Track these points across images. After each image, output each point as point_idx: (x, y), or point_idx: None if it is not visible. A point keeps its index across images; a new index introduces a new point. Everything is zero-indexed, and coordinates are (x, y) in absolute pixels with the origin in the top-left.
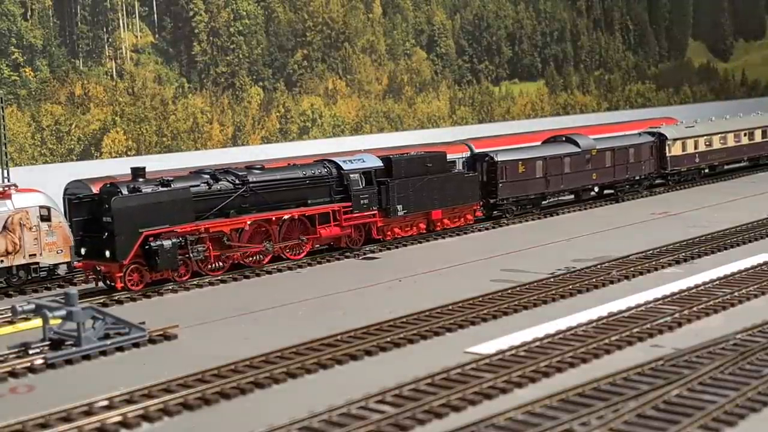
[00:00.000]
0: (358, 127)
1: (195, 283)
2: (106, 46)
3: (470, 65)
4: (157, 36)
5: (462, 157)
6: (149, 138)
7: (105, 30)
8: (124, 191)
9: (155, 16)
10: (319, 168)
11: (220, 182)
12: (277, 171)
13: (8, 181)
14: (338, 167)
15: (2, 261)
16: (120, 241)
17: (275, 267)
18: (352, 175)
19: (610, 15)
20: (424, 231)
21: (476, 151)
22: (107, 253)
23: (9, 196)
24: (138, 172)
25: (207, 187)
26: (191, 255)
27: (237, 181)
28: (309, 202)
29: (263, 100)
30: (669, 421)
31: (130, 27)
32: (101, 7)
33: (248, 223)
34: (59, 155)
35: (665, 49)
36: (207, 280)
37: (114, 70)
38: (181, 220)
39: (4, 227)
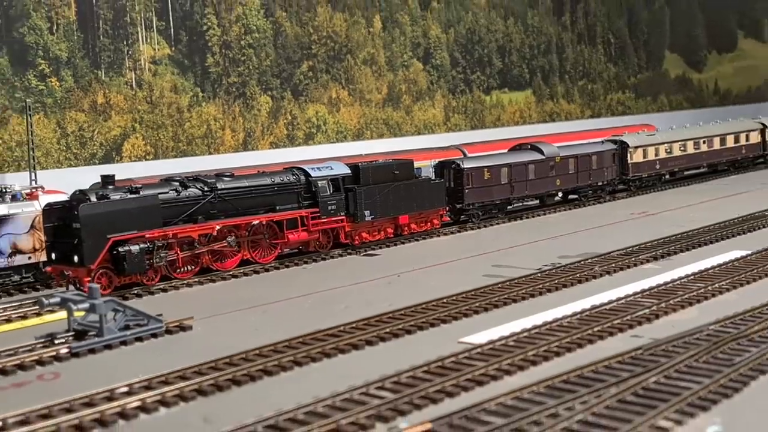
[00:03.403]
0: (359, 134)
1: (209, 278)
2: (126, 58)
3: (463, 76)
4: (173, 48)
5: (429, 165)
6: (166, 143)
7: (125, 43)
8: (93, 198)
9: (172, 30)
10: (287, 175)
11: (188, 189)
12: (245, 178)
13: (35, 183)
14: (306, 174)
15: (30, 257)
16: (88, 246)
17: (283, 263)
18: (320, 182)
19: (592, 29)
20: (392, 235)
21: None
22: (75, 258)
23: (36, 197)
24: (107, 180)
25: (176, 194)
26: (158, 260)
27: (206, 188)
28: (278, 208)
29: (272, 108)
30: (647, 406)
31: (149, 40)
32: (122, 21)
33: (217, 228)
34: (83, 159)
35: (643, 60)
36: (220, 275)
37: (133, 81)
38: (149, 226)
39: (32, 226)
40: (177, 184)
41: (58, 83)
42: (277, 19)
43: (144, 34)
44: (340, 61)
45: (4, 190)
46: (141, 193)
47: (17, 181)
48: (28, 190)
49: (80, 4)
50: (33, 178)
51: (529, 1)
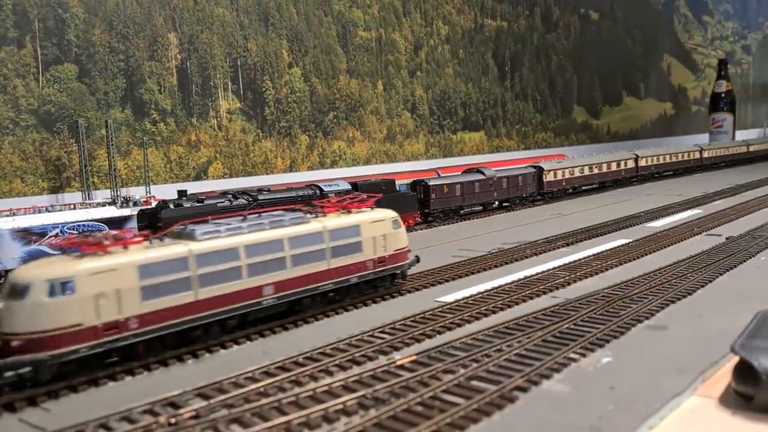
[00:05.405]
0: (368, 161)
1: None
2: (211, 110)
3: (438, 121)
4: (242, 103)
5: (407, 183)
6: (237, 167)
7: (210, 99)
8: (171, 206)
9: (241, 91)
10: (307, 190)
11: (238, 199)
12: (278, 192)
13: (150, 193)
14: (321, 189)
15: None
16: None
17: None
18: (330, 195)
19: (525, 90)
20: None
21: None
22: None
23: (150, 203)
24: (181, 193)
25: (229, 202)
26: None
27: (250, 199)
28: None
29: (308, 144)
30: (562, 344)
31: (225, 98)
32: (207, 85)
33: None
34: (181, 178)
35: (559, 111)
36: None
37: (215, 125)
38: None
39: None
40: (230, 195)
41: (164, 127)
42: (312, 83)
43: (222, 94)
44: (355, 111)
45: (129, 198)
46: (204, 202)
47: (138, 192)
48: (145, 198)
49: (180, 74)
50: (148, 190)
51: (482, 71)
